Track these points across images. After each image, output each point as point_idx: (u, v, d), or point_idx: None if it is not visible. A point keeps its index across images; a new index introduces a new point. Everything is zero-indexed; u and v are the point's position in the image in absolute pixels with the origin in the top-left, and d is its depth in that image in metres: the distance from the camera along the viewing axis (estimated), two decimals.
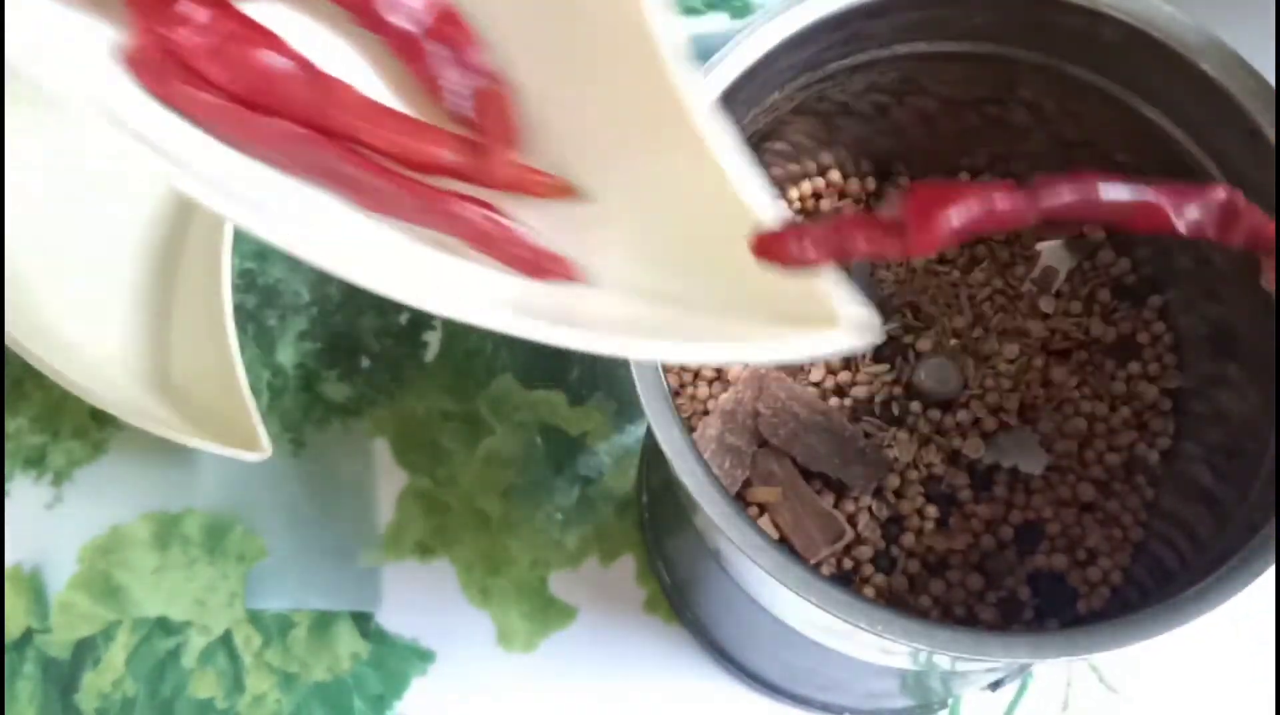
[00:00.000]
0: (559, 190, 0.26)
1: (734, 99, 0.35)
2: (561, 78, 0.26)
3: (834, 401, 0.41)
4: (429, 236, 0.26)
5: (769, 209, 0.24)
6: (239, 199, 0.24)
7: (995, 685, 0.47)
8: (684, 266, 0.25)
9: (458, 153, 0.26)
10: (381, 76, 0.27)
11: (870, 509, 0.40)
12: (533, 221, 0.26)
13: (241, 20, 0.26)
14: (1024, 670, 0.49)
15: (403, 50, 0.27)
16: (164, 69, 0.25)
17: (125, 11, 0.25)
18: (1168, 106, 0.37)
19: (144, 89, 0.25)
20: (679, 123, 0.24)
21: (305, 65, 0.26)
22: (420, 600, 0.51)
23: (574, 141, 0.26)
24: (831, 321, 0.23)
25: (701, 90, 0.24)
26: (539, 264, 0.26)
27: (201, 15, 0.25)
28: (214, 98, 0.25)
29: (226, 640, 0.50)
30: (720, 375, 0.41)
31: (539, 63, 0.26)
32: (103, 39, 0.26)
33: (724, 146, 0.24)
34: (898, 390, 0.41)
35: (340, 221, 0.26)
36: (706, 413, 0.41)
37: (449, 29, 0.26)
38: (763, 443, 0.40)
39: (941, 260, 0.43)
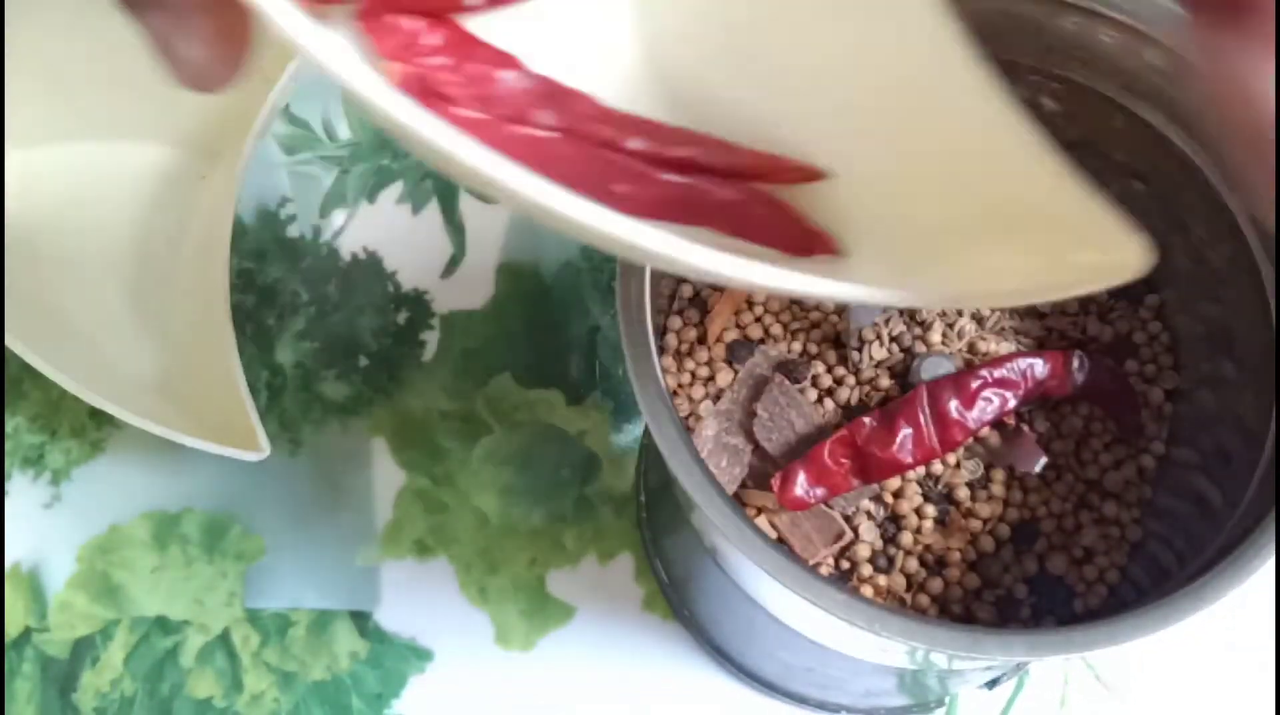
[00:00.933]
0: (807, 174, 0.26)
1: None
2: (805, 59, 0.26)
3: (829, 404, 0.41)
4: (686, 234, 0.26)
5: (1042, 148, 0.23)
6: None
7: (992, 684, 0.47)
8: (946, 223, 0.25)
9: (705, 149, 0.26)
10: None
11: (868, 510, 0.40)
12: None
13: (474, 42, 0.26)
14: (1021, 669, 0.49)
15: None
16: (423, 90, 0.25)
17: (362, 39, 0.25)
18: (1165, 107, 0.37)
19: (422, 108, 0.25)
20: (937, 89, 0.24)
21: (542, 80, 0.26)
22: (418, 599, 0.51)
23: (813, 122, 0.26)
24: (1125, 252, 0.22)
25: (964, 40, 0.24)
26: (805, 241, 0.26)
27: (436, 39, 0.25)
28: (470, 114, 0.25)
29: (225, 639, 0.50)
30: (716, 376, 0.41)
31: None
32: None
33: (994, 98, 0.24)
34: (895, 391, 0.41)
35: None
36: (711, 397, 0.41)
37: None
38: (758, 443, 0.40)
39: None
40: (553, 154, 0.25)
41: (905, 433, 0.38)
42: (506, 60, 0.26)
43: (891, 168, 0.26)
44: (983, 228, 0.24)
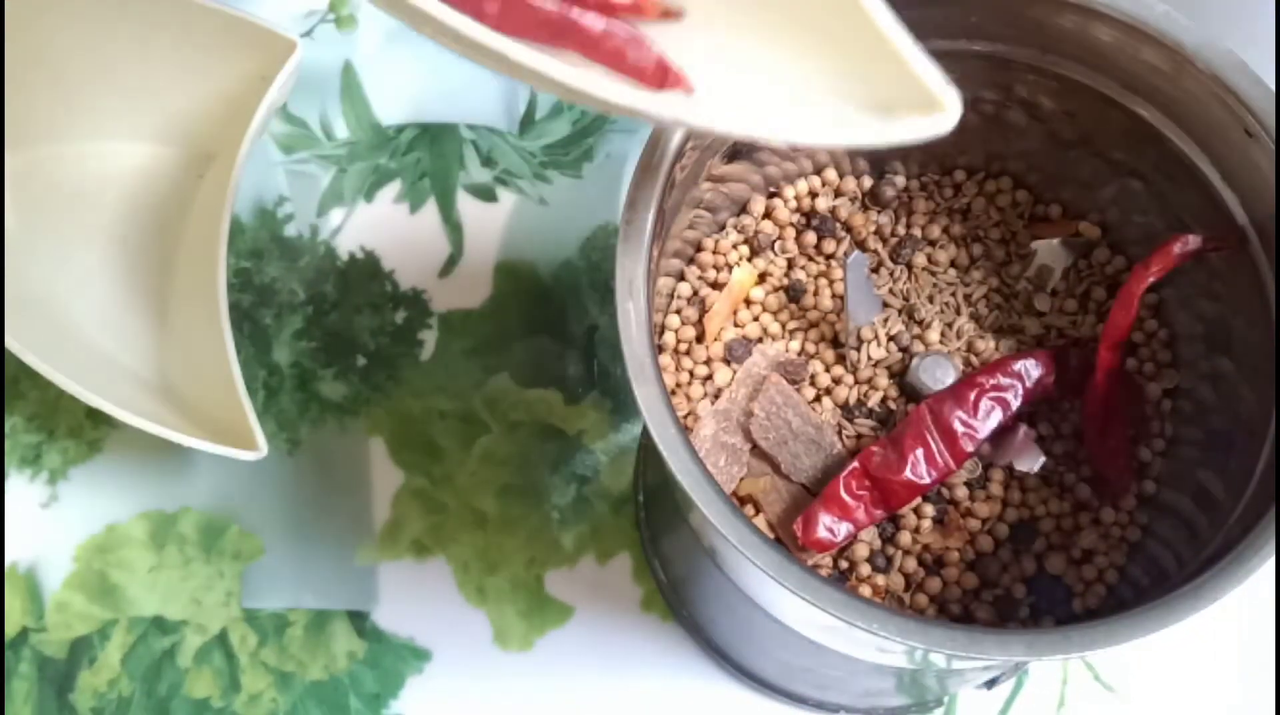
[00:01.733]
0: (666, 12, 0.29)
1: None
2: None
3: (827, 402, 0.41)
4: (552, 56, 0.29)
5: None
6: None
7: (991, 683, 0.47)
8: (782, 67, 0.28)
9: None
10: None
11: None
12: None
13: None
14: (1020, 668, 0.49)
15: None
16: None
17: None
18: (1163, 106, 0.37)
19: None
20: None
21: None
22: (416, 599, 0.51)
23: None
24: (937, 105, 0.25)
25: None
26: (663, 75, 0.28)
27: None
28: None
29: (222, 639, 0.50)
30: (714, 375, 0.41)
31: None
32: None
33: None
34: (894, 391, 0.41)
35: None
36: (710, 396, 0.41)
37: None
38: (756, 442, 0.40)
39: (937, 260, 0.43)
40: None
41: (916, 454, 0.38)
42: None
43: (733, 11, 0.29)
44: (815, 73, 0.27)
